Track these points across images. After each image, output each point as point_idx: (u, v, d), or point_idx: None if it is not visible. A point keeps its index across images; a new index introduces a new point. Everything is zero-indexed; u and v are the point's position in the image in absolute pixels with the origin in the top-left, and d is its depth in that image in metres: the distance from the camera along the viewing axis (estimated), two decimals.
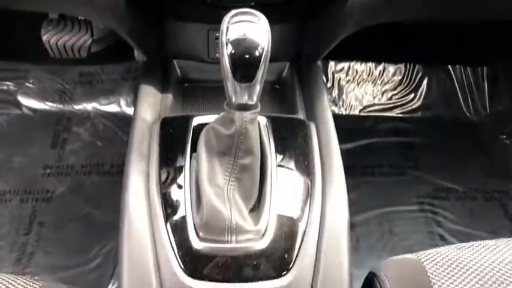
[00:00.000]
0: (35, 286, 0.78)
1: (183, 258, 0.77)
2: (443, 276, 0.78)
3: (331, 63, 1.99)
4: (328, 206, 0.84)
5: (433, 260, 0.81)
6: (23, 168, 1.71)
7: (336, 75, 2.00)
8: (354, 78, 2.01)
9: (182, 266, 0.76)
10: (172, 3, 1.02)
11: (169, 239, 0.79)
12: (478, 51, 1.99)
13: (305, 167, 0.89)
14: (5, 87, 1.91)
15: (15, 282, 0.78)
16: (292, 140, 0.94)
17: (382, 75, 2.02)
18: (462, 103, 2.01)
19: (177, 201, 0.82)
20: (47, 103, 1.90)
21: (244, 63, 0.69)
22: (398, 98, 2.01)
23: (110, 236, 1.50)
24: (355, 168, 1.75)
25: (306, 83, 1.14)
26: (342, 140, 0.97)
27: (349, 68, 2.01)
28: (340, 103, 1.99)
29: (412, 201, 1.68)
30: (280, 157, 0.89)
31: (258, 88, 0.73)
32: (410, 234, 1.58)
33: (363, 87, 2.01)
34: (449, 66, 2.02)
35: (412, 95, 2.01)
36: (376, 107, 1.99)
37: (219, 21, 0.71)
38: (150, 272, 0.76)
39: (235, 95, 0.73)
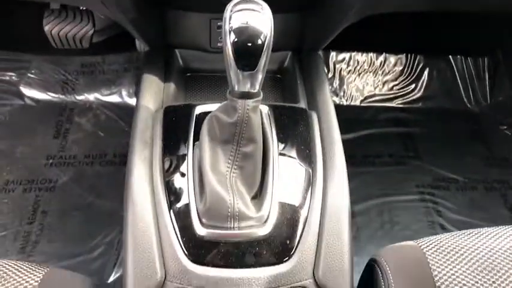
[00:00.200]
0: (41, 272, 0.79)
1: (186, 244, 0.78)
2: (443, 262, 0.79)
3: (333, 54, 1.99)
4: (330, 193, 0.85)
5: (433, 247, 0.82)
6: (26, 158, 1.72)
7: (337, 66, 2.01)
8: (355, 68, 2.01)
9: (186, 252, 0.78)
10: None
11: (173, 225, 0.80)
12: (478, 42, 1.99)
13: (307, 155, 0.90)
14: (7, 78, 1.92)
15: (21, 268, 0.79)
16: (293, 128, 0.94)
17: (383, 65, 2.02)
18: (463, 93, 2.01)
19: (180, 188, 0.83)
20: (49, 94, 1.91)
21: (247, 52, 0.70)
22: (399, 89, 2.01)
23: (112, 224, 1.52)
24: (355, 157, 1.76)
25: (307, 72, 1.14)
26: (342, 130, 0.98)
27: (350, 58, 2.01)
28: (341, 93, 1.99)
29: (413, 191, 1.69)
30: (282, 145, 0.90)
31: (260, 76, 0.74)
32: (410, 224, 1.59)
33: (364, 77, 2.01)
34: (450, 56, 2.02)
35: (413, 86, 2.02)
36: (377, 98, 2.00)
37: (221, 11, 0.72)
38: (154, 258, 0.77)
39: (238, 83, 0.73)
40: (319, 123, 0.98)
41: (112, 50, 1.89)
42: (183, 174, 0.85)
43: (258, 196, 0.83)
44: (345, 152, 0.93)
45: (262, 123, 0.85)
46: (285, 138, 0.91)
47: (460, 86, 2.02)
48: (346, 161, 0.91)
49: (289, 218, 0.82)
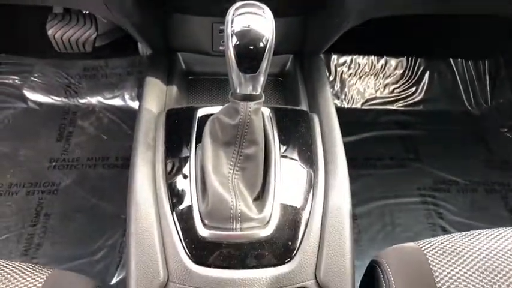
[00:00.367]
0: (45, 274, 0.79)
1: (189, 245, 0.79)
2: (444, 263, 0.79)
3: (334, 57, 2.00)
4: (331, 195, 0.86)
5: (434, 248, 0.82)
6: (29, 161, 1.73)
7: (338, 69, 2.02)
8: (356, 71, 2.02)
9: (188, 253, 0.78)
10: None
11: (176, 227, 0.81)
12: (479, 45, 2.00)
13: (308, 157, 0.91)
14: (10, 81, 1.93)
15: (25, 270, 0.80)
16: (295, 130, 0.95)
17: (384, 68, 2.03)
18: (464, 96, 2.02)
19: (182, 190, 0.84)
20: (52, 97, 1.92)
21: (249, 54, 0.70)
22: (400, 92, 2.02)
23: (115, 227, 1.53)
24: (357, 160, 1.77)
25: (308, 75, 1.15)
26: (344, 132, 0.99)
27: (351, 61, 2.02)
28: (343, 96, 2.00)
29: (414, 193, 1.70)
30: (283, 147, 0.91)
31: (262, 79, 0.75)
32: (412, 226, 1.60)
33: (365, 80, 2.02)
34: (451, 59, 2.03)
35: (414, 89, 2.02)
36: (378, 101, 2.01)
37: (223, 14, 0.73)
38: (157, 259, 0.78)
39: (240, 85, 0.74)
40: (320, 126, 0.98)
41: (115, 53, 1.90)
42: (185, 176, 0.86)
43: (260, 197, 0.83)
44: (346, 155, 0.93)
45: (264, 125, 0.86)
46: (287, 140, 0.92)
47: (461, 88, 2.03)
48: (348, 163, 0.92)
49: (291, 219, 0.82)
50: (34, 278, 0.78)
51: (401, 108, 2.00)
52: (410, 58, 2.03)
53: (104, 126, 1.86)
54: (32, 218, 1.57)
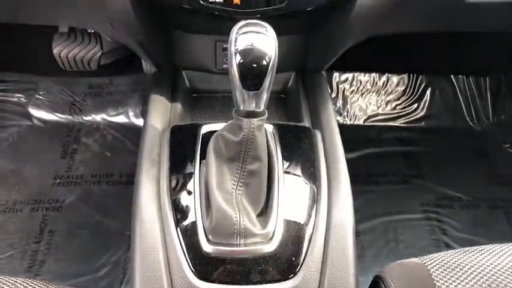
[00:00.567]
0: None
1: (193, 261, 0.79)
2: (447, 279, 0.79)
3: (336, 74, 2.02)
4: (334, 211, 0.86)
5: (437, 264, 0.82)
6: (34, 178, 1.75)
7: (340, 86, 2.03)
8: (358, 88, 2.04)
9: (192, 269, 0.79)
10: (181, 15, 1.05)
11: (180, 242, 0.81)
12: (480, 61, 2.01)
13: (311, 173, 0.92)
14: (15, 99, 1.96)
15: (30, 286, 0.80)
16: (298, 147, 0.96)
17: (386, 85, 2.05)
18: (465, 112, 2.03)
19: (187, 206, 0.85)
20: (57, 114, 1.94)
21: (252, 72, 0.72)
22: (402, 108, 2.04)
23: (119, 244, 1.53)
24: (359, 176, 1.77)
25: (311, 92, 1.16)
26: (346, 149, 0.99)
27: (353, 78, 2.04)
28: (345, 113, 2.01)
29: (417, 209, 1.70)
30: (286, 163, 0.92)
31: (265, 96, 0.76)
32: (415, 242, 1.60)
33: (367, 97, 2.04)
34: (452, 76, 2.05)
35: (416, 105, 2.04)
36: (380, 117, 2.02)
37: (226, 33, 0.74)
38: (161, 274, 0.78)
39: (244, 102, 0.76)
40: (323, 142, 0.99)
41: (119, 71, 1.93)
42: (189, 192, 0.86)
43: (264, 213, 0.84)
44: (348, 171, 0.94)
45: (267, 142, 0.87)
46: (290, 157, 0.93)
47: (463, 105, 2.04)
48: (350, 179, 0.92)
49: (295, 235, 0.83)
50: None
51: (403, 125, 2.01)
52: (411, 75, 2.04)
53: (108, 143, 1.87)
54: (36, 234, 1.57)
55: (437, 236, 1.62)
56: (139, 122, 1.91)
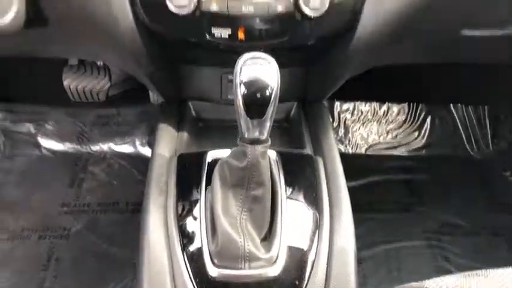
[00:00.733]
0: None
1: (199, 284, 0.81)
2: None
3: (337, 104, 2.07)
4: (336, 238, 0.88)
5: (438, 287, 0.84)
6: (41, 207, 1.78)
7: (341, 115, 2.08)
8: (359, 118, 2.08)
9: None
10: (188, 49, 1.10)
11: (187, 267, 0.83)
12: (478, 90, 2.05)
13: (313, 200, 0.94)
14: (25, 130, 2.00)
15: None
16: (300, 174, 0.98)
17: (387, 114, 2.09)
18: (465, 141, 2.06)
19: (193, 232, 0.87)
20: (66, 144, 1.99)
21: (256, 102, 0.75)
22: (403, 137, 2.07)
23: (125, 272, 1.55)
24: (361, 204, 1.78)
25: (312, 121, 1.20)
26: (348, 177, 1.01)
27: (354, 108, 2.08)
28: (347, 142, 2.05)
29: (419, 237, 1.71)
30: (289, 189, 0.94)
31: (268, 124, 0.79)
32: (417, 269, 1.61)
33: (368, 126, 2.08)
34: (451, 105, 2.09)
35: (416, 134, 2.08)
36: (381, 146, 2.06)
37: (231, 65, 0.78)
38: None
39: (248, 130, 0.79)
40: (325, 170, 1.02)
41: (127, 102, 1.97)
42: (195, 218, 0.89)
43: (268, 238, 0.86)
44: (350, 199, 0.96)
45: (271, 168, 0.90)
46: (292, 183, 0.95)
47: (462, 133, 2.07)
48: (352, 207, 0.94)
49: (298, 259, 0.84)
50: None
51: (404, 153, 2.04)
52: (411, 104, 2.08)
53: (115, 173, 1.91)
54: (43, 262, 1.59)
55: (440, 263, 1.63)
56: (146, 151, 1.95)
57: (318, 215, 0.92)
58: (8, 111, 2.01)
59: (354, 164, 1.87)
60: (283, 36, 0.90)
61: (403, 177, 1.94)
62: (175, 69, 1.16)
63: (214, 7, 0.85)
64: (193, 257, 0.84)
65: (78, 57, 1.62)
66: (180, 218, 0.90)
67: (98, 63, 1.75)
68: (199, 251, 0.84)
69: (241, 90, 0.75)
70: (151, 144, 1.90)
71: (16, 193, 1.82)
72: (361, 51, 0.98)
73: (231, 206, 0.85)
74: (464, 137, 2.07)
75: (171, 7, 0.83)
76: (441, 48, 1.20)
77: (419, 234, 1.72)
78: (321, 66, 1.14)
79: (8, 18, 0.79)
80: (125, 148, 1.98)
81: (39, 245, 1.65)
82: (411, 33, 1.03)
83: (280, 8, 0.86)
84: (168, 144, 1.10)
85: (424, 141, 2.07)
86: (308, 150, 1.12)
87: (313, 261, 0.85)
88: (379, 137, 2.07)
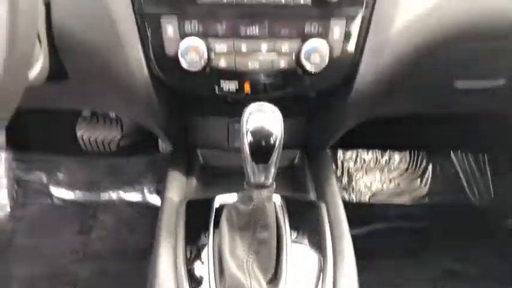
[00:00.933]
0: None
1: None
2: None
3: (340, 153, 2.12)
4: (340, 284, 0.91)
5: None
6: (51, 254, 1.80)
7: (345, 164, 2.12)
8: (362, 166, 2.13)
9: None
10: (198, 101, 1.16)
11: None
12: (477, 138, 2.09)
13: (317, 245, 0.97)
14: (38, 178, 2.06)
15: None
16: (304, 219, 1.02)
17: (389, 163, 2.13)
18: (467, 188, 2.09)
19: (201, 274, 0.90)
20: (76, 193, 2.03)
21: (262, 149, 0.80)
22: (406, 185, 2.10)
23: None
24: (365, 251, 1.78)
25: (315, 168, 1.24)
26: (352, 225, 1.04)
27: (357, 156, 2.13)
28: (351, 190, 2.09)
29: (423, 284, 1.71)
30: (294, 234, 0.97)
31: (273, 170, 0.84)
32: None
33: (371, 174, 2.12)
34: (452, 153, 2.13)
35: (419, 181, 2.11)
36: (384, 194, 2.09)
37: (237, 115, 0.83)
38: None
39: (254, 175, 0.83)
40: (328, 216, 1.05)
41: (136, 152, 2.02)
42: (204, 261, 0.92)
43: (273, 280, 0.89)
44: (354, 246, 0.98)
45: (276, 213, 0.94)
46: (297, 228, 0.98)
47: (464, 181, 2.10)
48: (356, 254, 0.97)
49: None
50: None
51: (407, 201, 2.07)
52: (412, 152, 2.13)
53: (124, 220, 1.94)
54: None
55: None
56: (154, 199, 1.99)
57: (322, 260, 0.94)
58: (21, 160, 2.07)
59: (358, 212, 1.91)
60: (285, 89, 0.95)
61: (406, 225, 1.95)
62: (185, 119, 1.22)
63: (222, 64, 0.91)
64: None
65: (93, 108, 1.69)
66: (189, 261, 0.93)
67: (110, 114, 1.82)
68: None
69: (247, 138, 0.80)
70: (159, 192, 1.95)
71: (26, 241, 1.85)
72: (360, 102, 1.03)
73: (238, 248, 0.88)
74: (465, 185, 2.09)
75: (184, 64, 0.89)
76: (436, 99, 1.24)
77: (423, 280, 1.72)
78: (322, 116, 1.19)
79: (34, 72, 0.84)
80: (134, 196, 2.02)
81: None
82: (407, 85, 1.08)
83: (283, 64, 0.92)
84: (177, 190, 1.14)
85: (426, 188, 2.10)
86: (312, 196, 1.16)
87: None
88: (382, 184, 2.11)
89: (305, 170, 1.24)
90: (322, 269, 0.93)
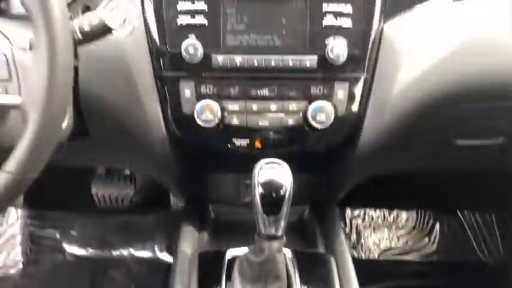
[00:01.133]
0: None
1: None
2: None
3: (348, 210, 2.15)
4: None
5: None
6: None
7: (353, 222, 2.15)
8: (370, 224, 2.14)
9: None
10: (212, 158, 1.22)
11: None
12: (485, 198, 2.08)
13: None
14: (52, 236, 2.08)
15: None
16: (314, 271, 1.05)
17: (396, 220, 2.15)
18: (475, 246, 2.08)
19: None
20: (88, 249, 2.05)
21: (272, 200, 0.85)
22: (414, 243, 2.11)
23: None
24: None
25: (324, 224, 1.27)
26: (362, 282, 1.06)
27: (364, 214, 2.16)
28: (359, 247, 2.10)
29: None
30: (304, 287, 1.00)
31: (283, 222, 0.87)
32: None
33: (379, 232, 2.13)
34: (459, 211, 2.14)
35: (427, 239, 2.11)
36: (393, 251, 2.09)
37: (248, 171, 0.88)
38: None
39: (265, 227, 0.87)
40: (337, 271, 1.07)
41: (148, 208, 2.06)
42: None
43: None
44: None
45: (286, 265, 0.97)
46: (307, 280, 1.01)
47: (472, 239, 2.09)
48: None
49: None
50: None
51: (416, 259, 2.06)
52: (419, 211, 2.15)
53: (134, 277, 1.95)
54: None
55: None
56: (165, 257, 2.01)
57: None
58: (35, 217, 2.11)
59: (367, 269, 1.89)
60: (294, 145, 1.01)
61: (416, 283, 1.94)
62: (198, 176, 1.27)
63: (235, 121, 0.98)
64: None
65: (109, 165, 1.75)
66: None
67: (125, 172, 1.88)
68: None
69: (258, 190, 0.84)
70: (169, 249, 1.97)
71: None
72: (364, 158, 1.08)
73: None
74: (474, 243, 2.09)
75: (199, 122, 0.96)
76: (438, 157, 1.29)
77: None
78: (329, 172, 1.24)
79: (62, 130, 0.89)
80: (145, 253, 2.03)
81: None
82: (409, 142, 1.13)
83: (291, 122, 0.99)
84: (190, 243, 1.18)
85: (434, 246, 2.10)
86: (321, 249, 1.18)
87: None
88: (391, 242, 2.11)
89: (314, 225, 1.28)
90: None
